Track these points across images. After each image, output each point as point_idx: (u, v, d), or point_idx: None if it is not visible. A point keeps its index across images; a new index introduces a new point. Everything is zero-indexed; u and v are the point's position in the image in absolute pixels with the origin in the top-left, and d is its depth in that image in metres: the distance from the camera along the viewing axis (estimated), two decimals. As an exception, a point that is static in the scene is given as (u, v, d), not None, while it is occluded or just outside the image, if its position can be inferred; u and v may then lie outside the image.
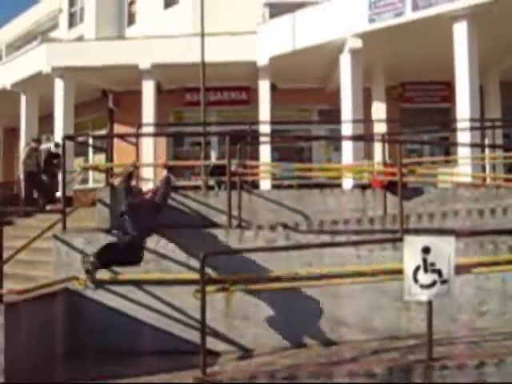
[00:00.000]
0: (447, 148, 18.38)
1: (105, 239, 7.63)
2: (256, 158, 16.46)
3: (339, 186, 14.06)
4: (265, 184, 15.71)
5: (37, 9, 29.42)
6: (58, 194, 13.27)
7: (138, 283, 7.49)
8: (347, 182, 14.35)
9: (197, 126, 16.71)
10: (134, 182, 10.61)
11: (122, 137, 12.59)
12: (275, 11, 19.23)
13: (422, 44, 15.35)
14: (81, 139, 15.43)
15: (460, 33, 14.31)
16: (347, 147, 15.90)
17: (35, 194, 14.94)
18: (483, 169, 13.78)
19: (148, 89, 19.00)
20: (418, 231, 7.67)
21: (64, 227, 7.86)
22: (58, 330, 7.08)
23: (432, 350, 5.92)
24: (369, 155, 15.61)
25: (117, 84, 20.25)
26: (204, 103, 16.12)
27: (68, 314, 7.33)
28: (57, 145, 16.13)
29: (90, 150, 20.58)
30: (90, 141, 14.16)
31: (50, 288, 7.07)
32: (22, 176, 15.59)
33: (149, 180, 13.63)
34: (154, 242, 7.62)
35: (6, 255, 6.82)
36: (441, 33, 14.32)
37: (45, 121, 21.10)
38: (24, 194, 15.44)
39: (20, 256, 7.71)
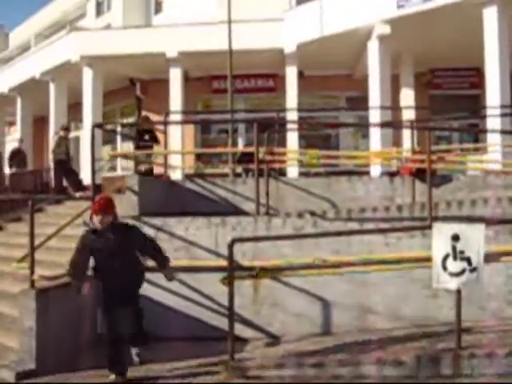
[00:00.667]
0: (477, 135, 18.15)
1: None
2: (283, 145, 16.47)
3: (367, 173, 14.00)
4: (292, 171, 15.71)
5: (65, -2, 29.63)
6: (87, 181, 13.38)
7: (166, 270, 7.54)
8: (375, 169, 14.28)
9: (224, 113, 16.73)
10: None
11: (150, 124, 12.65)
12: (302, -3, 19.11)
13: (451, 30, 15.14)
14: (109, 127, 15.50)
15: (490, 18, 14.06)
16: (375, 134, 15.79)
17: (65, 182, 15.09)
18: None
19: (175, 77, 19.04)
20: (447, 219, 7.61)
21: (93, 214, 7.92)
22: (88, 316, 7.17)
23: (461, 338, 5.89)
24: (397, 142, 15.51)
25: (144, 72, 20.32)
26: (231, 91, 16.12)
27: (97, 300, 7.41)
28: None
29: (118, 137, 20.75)
30: (119, 129, 14.27)
31: (80, 274, 7.15)
32: (51, 164, 15.75)
33: (176, 167, 13.71)
34: (182, 229, 7.68)
35: (37, 242, 6.93)
36: (470, 18, 14.10)
37: (73, 109, 21.27)
38: (54, 182, 15.61)
39: (50, 243, 7.83)
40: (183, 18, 19.63)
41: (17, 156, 19.90)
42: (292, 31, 17.81)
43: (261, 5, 18.80)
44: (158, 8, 23.37)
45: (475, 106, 18.63)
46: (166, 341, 7.12)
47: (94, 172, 8.42)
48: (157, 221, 7.80)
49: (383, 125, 14.57)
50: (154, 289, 7.53)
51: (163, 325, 7.35)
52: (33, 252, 6.59)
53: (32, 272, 6.46)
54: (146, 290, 7.47)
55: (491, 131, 12.88)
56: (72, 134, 19.52)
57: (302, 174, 15.56)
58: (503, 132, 12.58)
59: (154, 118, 17.66)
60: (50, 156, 15.39)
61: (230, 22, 15.91)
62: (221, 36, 16.25)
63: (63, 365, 6.23)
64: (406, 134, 14.49)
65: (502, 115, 13.16)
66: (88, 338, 7.14)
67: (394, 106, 16.62)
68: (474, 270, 5.84)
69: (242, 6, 17.31)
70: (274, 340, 7.24)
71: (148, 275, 7.49)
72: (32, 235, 6.56)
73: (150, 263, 6.48)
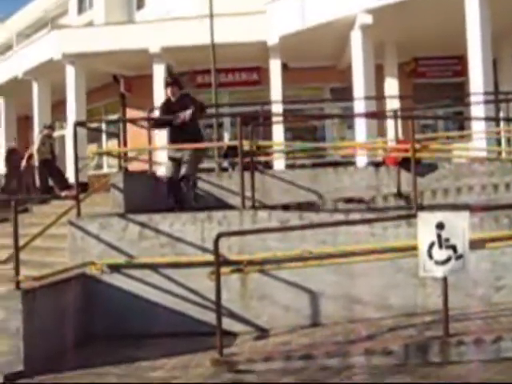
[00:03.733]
0: (461, 123, 18.21)
1: (119, 223, 7.68)
2: (269, 138, 16.45)
3: (353, 163, 14.02)
4: (278, 164, 15.70)
5: (46, -4, 29.40)
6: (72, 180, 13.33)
7: (153, 267, 7.53)
8: (361, 160, 14.29)
9: (209, 107, 16.67)
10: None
11: (133, 121, 12.62)
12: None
13: (433, 18, 15.14)
14: (92, 125, 15.43)
15: (472, 5, 14.07)
16: (360, 125, 15.81)
17: (50, 181, 15.02)
18: (498, 143, 13.66)
19: (159, 72, 18.94)
20: (432, 207, 7.63)
21: (78, 213, 7.90)
22: (75, 316, 7.14)
23: (448, 326, 5.92)
24: (382, 132, 15.53)
25: (128, 69, 20.20)
26: (215, 85, 16.07)
27: (84, 299, 7.39)
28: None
29: (104, 135, 20.66)
30: (103, 126, 14.20)
31: (66, 274, 7.13)
32: (36, 164, 15.66)
33: (162, 164, 13.64)
34: (168, 225, 7.65)
35: (22, 242, 6.88)
36: (452, 6, 14.12)
37: (57, 108, 21.16)
38: (39, 182, 15.52)
39: (36, 242, 7.78)
40: (165, 13, 19.56)
41: (13, 155, 19.74)
42: (274, 23, 17.76)
43: (242, -2, 18.73)
44: (140, 4, 23.23)
45: (459, 93, 18.68)
46: (154, 337, 7.11)
47: (77, 170, 8.38)
48: (142, 217, 7.77)
49: (367, 115, 14.60)
50: (141, 285, 7.51)
51: (151, 321, 7.34)
52: (17, 252, 6.54)
53: (17, 273, 6.41)
54: (132, 286, 7.49)
55: (475, 118, 12.93)
56: (57, 133, 19.41)
57: (288, 167, 15.56)
58: (487, 119, 12.63)
59: (139, 114, 17.62)
60: (35, 155, 15.29)
61: (211, 15, 15.86)
62: (203, 30, 16.19)
63: (52, 365, 6.19)
64: (391, 124, 14.50)
65: (486, 102, 13.21)
66: (76, 338, 7.11)
67: (379, 96, 16.63)
68: (459, 257, 5.86)
69: (223, 0, 17.23)
70: (263, 333, 7.23)
71: (133, 272, 7.52)
72: (16, 235, 6.51)
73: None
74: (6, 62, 22.99)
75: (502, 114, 15.28)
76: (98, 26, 21.58)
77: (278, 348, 6.34)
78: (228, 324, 6.93)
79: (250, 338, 7.06)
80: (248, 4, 17.88)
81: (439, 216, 5.94)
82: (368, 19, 15.72)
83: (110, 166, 20.78)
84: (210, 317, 7.03)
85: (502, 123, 14.03)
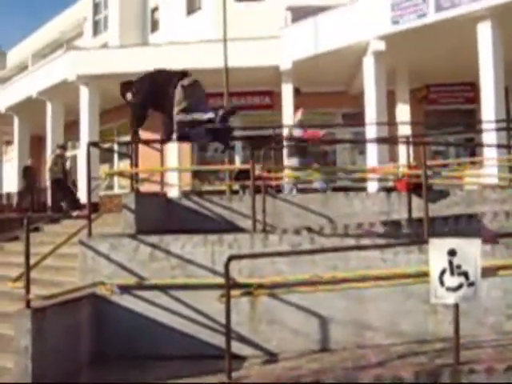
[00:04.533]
0: (473, 150, 18.20)
1: (130, 244, 7.69)
2: (280, 161, 16.48)
3: (364, 189, 14.02)
4: (289, 188, 15.68)
5: (62, 18, 29.77)
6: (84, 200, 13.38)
7: (163, 288, 7.51)
8: (372, 185, 14.29)
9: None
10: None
11: (146, 143, 12.65)
12: (297, 15, 19.20)
13: (446, 45, 15.23)
14: (105, 146, 15.52)
15: (484, 33, 14.17)
16: (372, 150, 15.84)
17: (62, 201, 15.10)
18: (510, 170, 13.63)
19: (171, 94, 19.05)
20: (443, 234, 7.60)
21: (90, 233, 7.91)
22: (85, 336, 7.13)
23: (459, 353, 5.86)
24: (394, 158, 15.54)
25: (141, 90, 20.33)
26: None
27: (94, 319, 7.38)
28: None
29: (115, 156, 20.77)
30: (115, 147, 14.27)
31: (76, 293, 7.12)
32: (48, 183, 15.76)
33: (173, 185, 13.71)
34: (179, 247, 7.66)
35: (32, 261, 6.90)
36: (465, 33, 14.21)
37: (70, 128, 21.34)
38: (51, 201, 15.61)
39: (47, 262, 7.80)
40: (179, 37, 19.76)
41: (28, 172, 19.93)
42: (288, 48, 17.93)
43: (256, 23, 18.93)
44: (155, 26, 23.53)
45: (471, 120, 18.70)
46: (163, 359, 7.07)
47: (89, 190, 8.40)
48: (153, 238, 7.77)
49: (379, 140, 14.63)
50: (151, 307, 7.50)
51: (160, 343, 7.30)
52: (28, 271, 6.55)
53: (27, 291, 6.42)
54: (142, 307, 7.48)
55: (487, 145, 12.92)
56: (69, 153, 19.55)
57: (298, 191, 15.56)
58: (499, 146, 12.62)
59: (151, 136, 17.70)
60: (47, 175, 15.40)
61: (225, 40, 16.00)
62: (217, 54, 16.33)
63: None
64: (402, 150, 14.51)
65: (498, 129, 13.21)
66: (87, 357, 7.10)
67: (390, 122, 16.67)
68: (471, 284, 5.83)
69: (237, 25, 17.43)
70: (271, 357, 7.18)
71: (143, 293, 7.51)
72: (28, 254, 6.54)
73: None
74: (21, 82, 23.24)
75: (513, 142, 15.29)
76: (112, 48, 21.82)
77: (287, 373, 6.29)
78: (237, 347, 6.89)
79: (259, 361, 7.01)
80: (262, 29, 18.06)
81: (451, 242, 5.91)
82: (381, 45, 15.83)
83: (121, 186, 20.89)
84: (218, 340, 7.00)
85: (513, 151, 14.01)
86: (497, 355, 6.27)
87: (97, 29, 26.44)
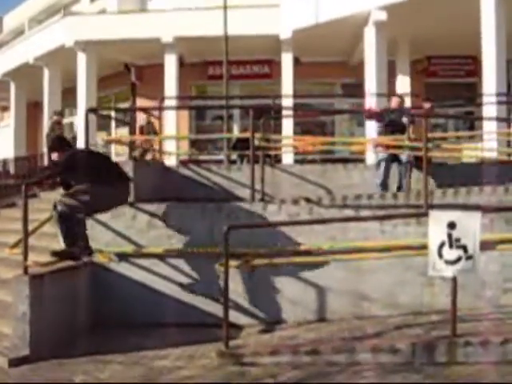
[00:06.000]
0: (472, 123, 18.12)
1: (128, 212, 7.67)
2: (278, 131, 16.41)
3: (363, 160, 13.97)
4: (287, 158, 15.67)
5: (59, -18, 29.33)
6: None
7: (161, 256, 7.52)
8: (371, 157, 14.23)
9: (219, 99, 16.65)
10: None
11: (144, 110, 12.61)
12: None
13: (448, 17, 15.05)
14: (104, 113, 15.43)
15: (487, 5, 13.98)
16: (371, 122, 15.73)
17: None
18: (509, 144, 13.58)
19: (170, 62, 18.91)
20: (442, 206, 7.58)
21: (88, 200, 7.87)
22: (83, 303, 7.15)
23: (456, 326, 5.89)
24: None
25: (139, 58, 20.18)
26: (226, 77, 16.03)
27: (92, 286, 7.39)
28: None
29: (113, 123, 20.64)
30: (113, 114, 14.18)
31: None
32: (45, 150, 15.66)
33: (171, 153, 13.64)
34: (177, 215, 7.64)
35: (30, 228, 6.88)
36: (468, 5, 14.01)
37: (68, 94, 21.13)
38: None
39: (44, 229, 7.78)
40: (178, 3, 19.49)
41: None
42: (288, 17, 17.69)
43: (257, -10, 18.65)
44: (154, -7, 23.18)
45: (471, 93, 18.58)
46: (161, 327, 7.10)
47: (88, 157, 8.34)
48: (151, 207, 7.76)
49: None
50: (149, 275, 7.52)
51: (158, 311, 7.33)
52: (26, 238, 6.54)
53: (25, 258, 6.41)
54: (139, 275, 7.49)
55: (487, 119, 12.85)
56: (66, 120, 19.43)
57: (297, 161, 15.53)
58: (499, 119, 12.55)
59: (149, 103, 17.58)
60: (44, 141, 15.30)
61: (225, 7, 15.79)
62: (216, 21, 16.12)
63: (58, 351, 6.20)
64: (402, 122, 14.41)
65: (498, 103, 13.13)
66: (85, 323, 7.12)
67: (390, 93, 16.54)
68: (469, 257, 5.83)
69: (238, -9, 17.17)
70: (268, 326, 7.22)
71: (141, 261, 7.52)
72: (25, 220, 6.51)
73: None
74: (18, 47, 22.97)
75: (513, 116, 15.21)
76: (110, 14, 21.51)
77: (285, 342, 6.33)
78: (234, 316, 6.92)
79: (256, 331, 7.05)
80: (262, -4, 17.83)
81: (451, 215, 5.90)
82: (382, 16, 15.63)
83: (117, 154, 20.79)
84: (216, 308, 7.04)
85: (513, 125, 13.94)
86: (493, 328, 6.30)
87: (95, -6, 26.07)
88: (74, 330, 6.87)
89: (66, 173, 7.01)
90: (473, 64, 18.62)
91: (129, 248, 7.54)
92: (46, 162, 15.81)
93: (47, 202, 11.15)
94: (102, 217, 7.62)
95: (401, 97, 11.35)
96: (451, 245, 5.84)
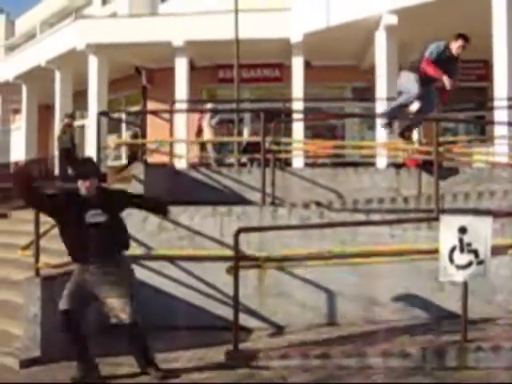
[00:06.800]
0: (483, 127, 18.05)
1: (138, 215, 7.69)
2: (289, 135, 16.42)
3: (373, 164, 13.96)
4: (297, 162, 15.65)
5: (71, -14, 29.48)
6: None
7: (171, 259, 7.54)
8: (381, 161, 14.20)
9: (230, 102, 16.67)
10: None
11: (155, 113, 12.63)
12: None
13: (459, 20, 14.98)
14: (115, 115, 15.49)
15: (499, 9, 13.93)
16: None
17: (69, 170, 15.10)
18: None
19: (181, 66, 18.96)
20: (453, 211, 7.57)
21: (99, 203, 7.90)
22: (92, 305, 7.15)
23: (466, 331, 5.87)
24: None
25: (150, 61, 20.25)
26: (237, 80, 16.05)
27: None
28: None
29: (123, 126, 20.71)
30: (124, 117, 14.24)
31: (85, 263, 7.13)
32: (56, 152, 15.75)
33: (181, 156, 13.68)
34: (187, 218, 7.66)
35: (42, 230, 6.92)
36: (479, 8, 13.98)
37: (79, 97, 21.24)
38: (59, 170, 15.61)
39: (55, 231, 7.79)
40: (189, 7, 19.56)
41: None
42: (299, 21, 17.69)
43: (268, -6, 18.68)
44: (165, -4, 23.26)
45: (482, 98, 18.52)
46: (171, 329, 7.10)
47: (99, 160, 8.40)
48: (162, 210, 7.76)
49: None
50: (159, 277, 7.53)
51: (168, 313, 7.33)
52: (38, 240, 6.58)
53: (37, 260, 6.45)
54: (150, 278, 7.50)
55: (498, 123, 12.80)
56: (77, 123, 19.50)
57: (307, 165, 15.52)
58: (510, 124, 12.50)
59: (160, 107, 17.64)
60: (56, 144, 15.39)
61: (236, 10, 15.81)
62: (227, 25, 16.14)
63: (68, 353, 6.21)
64: (413, 126, 14.39)
65: (510, 107, 13.08)
66: (95, 327, 7.12)
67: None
68: (480, 262, 5.81)
69: (248, -5, 17.19)
70: (278, 330, 7.22)
71: (151, 264, 7.53)
72: (37, 223, 6.55)
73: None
74: (30, 50, 23.12)
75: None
76: (122, 18, 21.61)
77: (294, 345, 6.32)
78: (244, 320, 6.90)
79: (266, 334, 7.06)
80: (273, 1, 17.85)
81: (462, 220, 5.88)
82: (393, 20, 15.62)
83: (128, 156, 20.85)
84: (226, 311, 7.03)
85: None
86: (504, 334, 6.29)
87: (106, -2, 26.21)
88: (85, 332, 6.88)
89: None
90: (484, 68, 18.56)
91: (139, 250, 7.56)
92: (56, 166, 15.86)
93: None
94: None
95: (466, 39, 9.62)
96: (462, 249, 5.82)
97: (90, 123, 19.44)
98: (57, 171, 17.06)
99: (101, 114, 8.97)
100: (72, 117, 16.22)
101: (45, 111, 25.51)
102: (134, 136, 15.15)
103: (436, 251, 6.00)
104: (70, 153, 15.04)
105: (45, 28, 28.47)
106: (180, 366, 5.88)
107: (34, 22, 30.97)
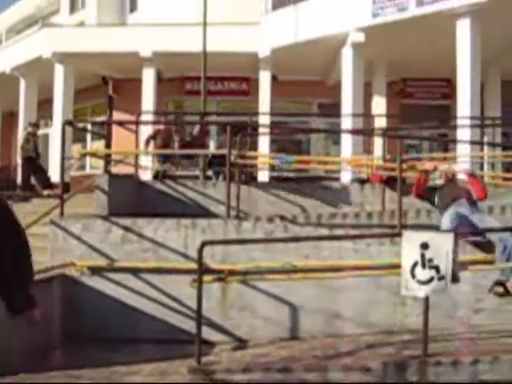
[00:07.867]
0: (446, 145, 18.36)
1: (102, 225, 7.62)
2: (254, 149, 16.47)
3: (338, 179, 14.07)
4: (263, 175, 15.72)
5: (38, -7, 29.25)
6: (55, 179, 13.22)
7: (134, 271, 7.48)
8: (346, 176, 14.34)
9: (196, 115, 16.67)
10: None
11: (121, 124, 12.56)
12: (278, 2, 19.09)
13: (424, 40, 15.29)
14: (81, 125, 15.36)
15: (463, 30, 14.25)
16: (346, 141, 15.87)
17: (33, 180, 14.90)
18: (482, 167, 13.77)
19: (148, 77, 18.93)
20: (416, 227, 7.66)
21: (62, 213, 7.83)
22: (54, 317, 7.06)
23: (427, 345, 5.91)
24: (368, 150, 15.60)
25: (117, 71, 20.14)
26: (204, 93, 16.07)
27: (64, 300, 7.31)
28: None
29: (89, 136, 20.54)
30: (89, 127, 14.13)
31: (46, 274, 7.04)
32: (19, 161, 15.53)
33: (147, 168, 13.60)
34: (152, 230, 7.61)
35: None
36: (444, 29, 14.27)
37: (44, 106, 21.01)
38: (21, 179, 15.39)
39: None
40: (158, 18, 19.54)
41: None
42: (267, 35, 17.83)
43: (236, 8, 18.77)
44: (133, 6, 23.19)
45: (446, 115, 18.84)
46: (133, 342, 7.04)
47: (63, 170, 8.31)
48: (126, 221, 7.72)
49: (355, 132, 14.67)
50: (122, 289, 7.46)
51: (131, 326, 7.27)
52: (-2, 249, 6.45)
53: (-4, 270, 6.32)
54: (112, 290, 7.43)
55: (461, 141, 13.04)
56: (41, 131, 19.28)
57: (272, 179, 15.59)
58: (472, 143, 12.74)
59: (126, 117, 17.55)
60: (19, 152, 15.17)
61: (205, 23, 15.88)
62: (195, 37, 16.21)
63: (28, 365, 6.10)
64: (377, 142, 14.59)
65: (472, 126, 13.34)
66: (55, 339, 7.03)
67: (366, 114, 16.72)
68: (441, 278, 5.87)
69: (217, 9, 17.24)
70: (241, 344, 7.20)
71: (114, 275, 7.45)
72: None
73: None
74: (-5, 57, 22.82)
75: (486, 139, 15.45)
76: (89, 27, 21.53)
77: (257, 359, 6.31)
78: (207, 333, 6.87)
79: (229, 348, 7.03)
80: (242, 14, 17.95)
81: (424, 236, 5.95)
82: (360, 37, 15.84)
83: (92, 167, 20.66)
84: (189, 325, 6.99)
85: (485, 148, 14.16)
86: (464, 348, 6.36)
87: (74, 6, 25.97)
88: (45, 344, 6.77)
89: None
90: (448, 87, 18.90)
91: (102, 262, 7.49)
92: (19, 174, 15.64)
93: (21, 214, 11.05)
94: (76, 229, 7.58)
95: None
96: (424, 265, 5.88)
97: (54, 132, 19.24)
98: (19, 180, 16.81)
99: (66, 123, 8.86)
100: (36, 125, 16.00)
101: (8, 118, 25.19)
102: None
103: (398, 266, 6.06)
104: (33, 162, 14.82)
105: (11, 35, 28.16)
106: (141, 379, 5.81)
107: (0, 28, 30.62)
